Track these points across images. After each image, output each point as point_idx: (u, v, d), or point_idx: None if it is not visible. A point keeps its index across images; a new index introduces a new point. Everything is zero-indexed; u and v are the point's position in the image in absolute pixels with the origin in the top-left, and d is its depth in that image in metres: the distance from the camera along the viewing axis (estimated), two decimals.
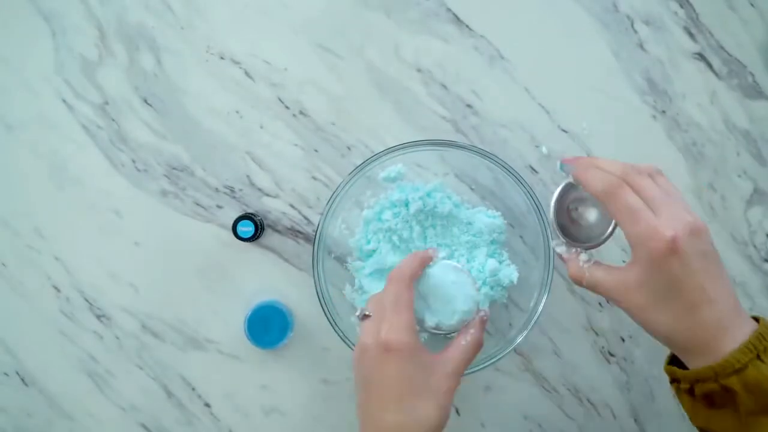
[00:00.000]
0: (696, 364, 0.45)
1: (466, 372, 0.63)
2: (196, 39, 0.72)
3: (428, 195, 0.67)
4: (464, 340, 0.53)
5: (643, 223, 0.45)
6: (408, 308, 0.51)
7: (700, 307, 0.44)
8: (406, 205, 0.67)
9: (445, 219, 0.68)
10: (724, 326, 0.44)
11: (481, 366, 0.63)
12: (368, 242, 0.68)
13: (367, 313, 0.52)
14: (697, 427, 0.47)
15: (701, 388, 0.44)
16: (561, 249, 0.56)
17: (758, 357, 0.43)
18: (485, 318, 0.57)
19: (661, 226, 0.44)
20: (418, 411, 0.48)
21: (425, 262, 0.57)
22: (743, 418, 0.43)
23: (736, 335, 0.44)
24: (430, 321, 0.57)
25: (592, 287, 0.50)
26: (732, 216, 0.72)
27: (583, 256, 0.53)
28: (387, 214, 0.67)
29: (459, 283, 0.57)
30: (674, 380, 0.48)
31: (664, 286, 0.44)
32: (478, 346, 0.54)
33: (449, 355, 0.52)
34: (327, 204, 0.65)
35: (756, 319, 0.46)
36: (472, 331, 0.55)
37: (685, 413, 0.48)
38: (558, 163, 0.53)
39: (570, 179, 0.53)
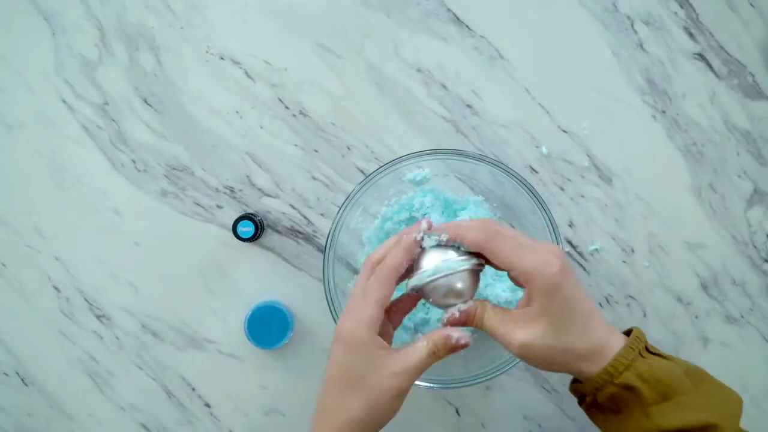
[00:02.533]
0: (590, 372, 0.48)
1: (475, 381, 0.63)
2: (196, 39, 0.72)
3: (454, 212, 0.68)
4: (425, 342, 0.50)
5: (531, 257, 0.48)
6: (376, 304, 0.49)
7: (590, 318, 0.49)
8: (425, 216, 0.68)
9: None
10: (609, 333, 0.49)
11: (491, 375, 0.63)
12: (382, 237, 0.69)
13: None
14: None
15: (603, 395, 0.48)
16: (460, 307, 0.50)
17: (640, 354, 0.48)
18: (460, 342, 0.49)
19: (547, 256, 0.48)
20: (345, 401, 0.49)
21: (412, 251, 0.51)
22: (647, 410, 0.47)
23: (617, 341, 0.49)
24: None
25: (491, 325, 0.50)
26: (732, 216, 0.72)
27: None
28: (404, 215, 0.68)
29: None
30: (581, 398, 0.51)
31: (563, 308, 0.48)
32: (434, 355, 0.50)
33: (400, 356, 0.49)
34: (340, 210, 0.64)
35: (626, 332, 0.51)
36: (435, 337, 0.50)
37: None
38: (421, 236, 0.51)
39: (432, 244, 0.51)
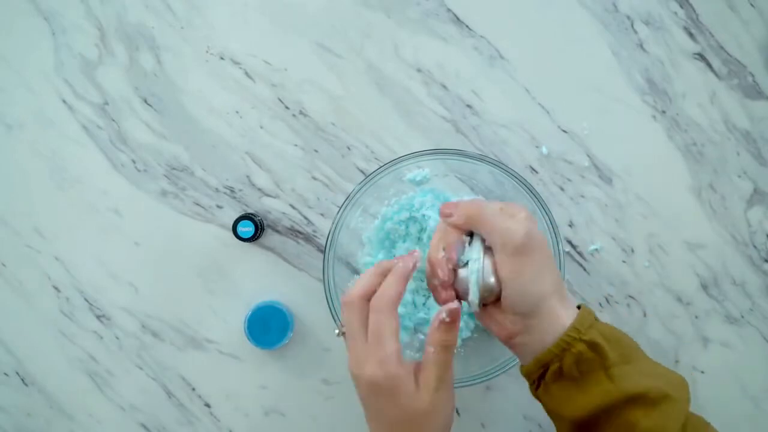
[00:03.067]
0: (553, 330, 0.49)
1: (475, 381, 0.63)
2: (196, 39, 0.72)
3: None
4: (430, 347, 0.49)
5: (502, 219, 0.50)
6: (394, 337, 0.48)
7: (555, 279, 0.50)
8: (424, 217, 0.68)
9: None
10: (566, 296, 0.51)
11: (491, 375, 0.63)
12: (382, 237, 0.69)
13: (344, 331, 0.50)
14: (570, 417, 0.49)
15: (570, 356, 0.47)
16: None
17: (595, 319, 0.50)
18: (446, 318, 0.49)
19: (515, 219, 0.50)
20: None
21: (406, 279, 0.50)
22: (610, 372, 0.47)
23: (571, 308, 0.50)
24: None
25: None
26: (732, 216, 0.72)
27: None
28: (404, 215, 0.68)
29: None
30: (539, 378, 0.51)
31: (529, 261, 0.49)
32: (445, 348, 0.49)
33: (425, 377, 0.49)
34: (340, 210, 0.64)
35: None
36: (436, 336, 0.49)
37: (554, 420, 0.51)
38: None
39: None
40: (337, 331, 0.52)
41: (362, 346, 0.48)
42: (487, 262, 0.51)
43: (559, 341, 0.48)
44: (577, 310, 0.50)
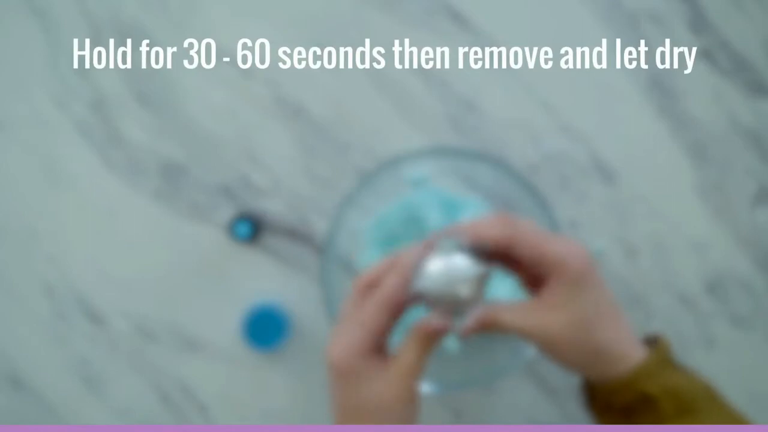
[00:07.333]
0: (610, 374, 0.45)
1: (477, 384, 0.62)
2: (192, 37, 0.71)
3: (454, 212, 0.67)
4: (411, 336, 0.46)
5: (560, 244, 0.45)
6: (367, 331, 0.45)
7: (620, 316, 0.46)
8: (424, 217, 0.67)
9: None
10: (632, 336, 0.46)
11: (493, 379, 0.63)
12: (381, 238, 0.68)
13: None
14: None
15: (620, 400, 0.45)
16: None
17: (664, 365, 0.45)
18: (433, 326, 0.45)
19: (574, 246, 0.45)
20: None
21: (409, 277, 0.46)
22: (662, 421, 0.44)
23: (640, 347, 0.46)
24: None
25: (511, 320, 0.46)
26: (737, 215, 0.71)
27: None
28: (404, 215, 0.68)
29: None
30: (590, 399, 0.49)
31: (594, 299, 0.45)
32: (423, 347, 0.46)
33: (394, 362, 0.46)
34: (339, 210, 0.63)
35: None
36: (417, 331, 0.46)
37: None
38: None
39: (451, 249, 0.47)
40: None
41: (339, 329, 0.47)
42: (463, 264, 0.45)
43: (612, 384, 0.45)
44: (643, 353, 0.45)
